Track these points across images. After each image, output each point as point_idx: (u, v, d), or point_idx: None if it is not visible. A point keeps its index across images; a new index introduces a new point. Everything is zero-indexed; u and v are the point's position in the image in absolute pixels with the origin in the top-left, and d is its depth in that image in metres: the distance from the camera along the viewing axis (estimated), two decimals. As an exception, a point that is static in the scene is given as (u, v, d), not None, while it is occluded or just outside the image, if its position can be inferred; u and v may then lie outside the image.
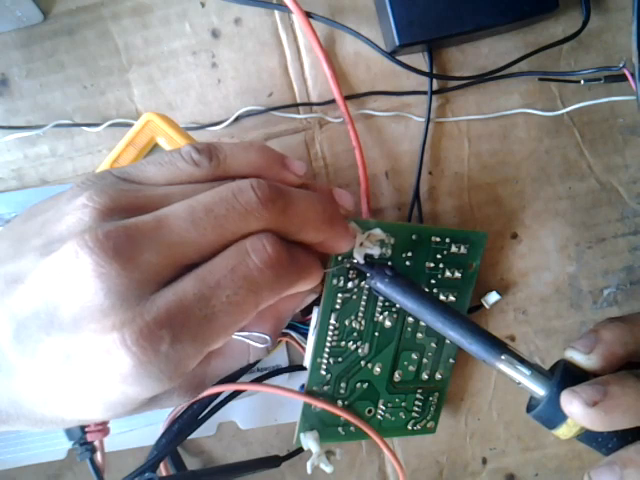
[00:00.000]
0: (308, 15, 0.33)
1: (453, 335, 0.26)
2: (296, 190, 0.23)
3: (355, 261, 0.29)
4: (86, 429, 0.33)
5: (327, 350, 0.32)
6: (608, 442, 0.24)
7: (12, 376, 0.21)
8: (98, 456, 0.34)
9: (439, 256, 0.34)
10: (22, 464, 0.37)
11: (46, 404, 0.21)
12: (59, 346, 0.20)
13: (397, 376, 0.34)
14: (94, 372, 0.20)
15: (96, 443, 0.34)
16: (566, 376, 0.24)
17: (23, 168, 0.36)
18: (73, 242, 0.19)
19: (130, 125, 0.35)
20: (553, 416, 0.24)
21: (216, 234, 0.21)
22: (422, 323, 0.34)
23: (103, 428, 0.34)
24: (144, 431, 0.36)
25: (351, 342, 0.33)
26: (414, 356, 0.34)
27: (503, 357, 0.25)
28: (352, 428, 0.34)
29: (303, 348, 0.34)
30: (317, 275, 0.24)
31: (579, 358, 0.25)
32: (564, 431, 0.24)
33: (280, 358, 0.37)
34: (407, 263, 0.33)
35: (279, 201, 0.22)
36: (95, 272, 0.19)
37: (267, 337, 0.25)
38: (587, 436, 0.24)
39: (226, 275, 0.21)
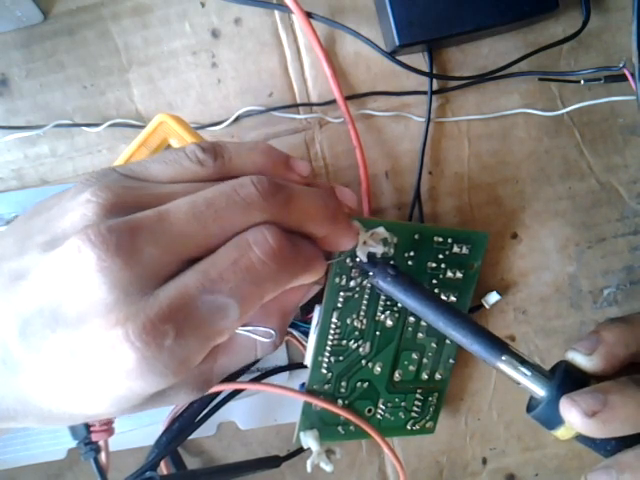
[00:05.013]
0: (308, 15, 0.33)
1: (454, 334, 0.26)
2: (297, 185, 0.23)
3: (358, 260, 0.29)
4: (91, 428, 0.33)
5: (328, 349, 0.32)
6: (606, 445, 0.24)
7: (18, 373, 0.21)
8: (102, 456, 0.33)
9: (441, 256, 0.34)
10: (22, 464, 0.37)
11: (53, 400, 0.21)
12: (64, 342, 0.20)
13: (397, 376, 0.34)
14: (99, 367, 0.20)
15: (100, 443, 0.33)
16: (566, 378, 0.24)
17: (23, 168, 0.36)
18: (76, 237, 0.19)
19: (130, 125, 0.35)
20: (552, 418, 0.24)
21: (217, 226, 0.21)
22: (423, 323, 0.34)
23: (108, 428, 0.33)
24: (144, 431, 0.36)
25: (352, 341, 0.33)
26: (414, 356, 0.34)
27: (504, 357, 0.25)
28: (352, 427, 0.34)
29: (304, 346, 0.34)
30: (320, 267, 0.24)
31: (580, 360, 0.25)
32: (563, 433, 0.24)
33: (279, 357, 0.36)
34: (409, 263, 0.33)
35: (279, 194, 0.22)
36: (98, 266, 0.19)
37: (272, 331, 0.26)
38: (586, 438, 0.24)
39: (228, 268, 0.20)
